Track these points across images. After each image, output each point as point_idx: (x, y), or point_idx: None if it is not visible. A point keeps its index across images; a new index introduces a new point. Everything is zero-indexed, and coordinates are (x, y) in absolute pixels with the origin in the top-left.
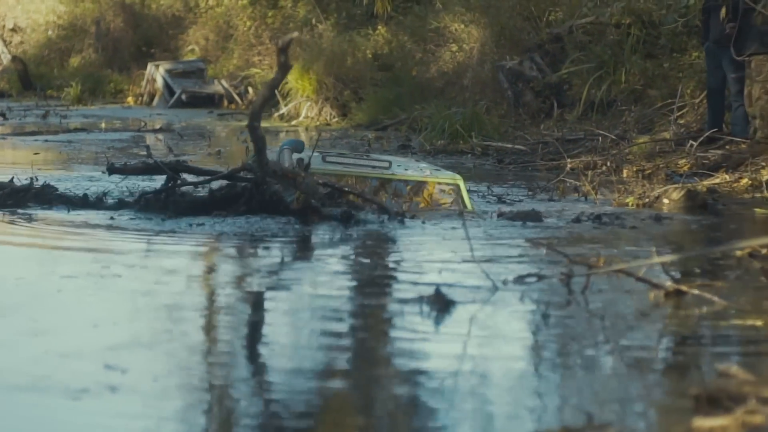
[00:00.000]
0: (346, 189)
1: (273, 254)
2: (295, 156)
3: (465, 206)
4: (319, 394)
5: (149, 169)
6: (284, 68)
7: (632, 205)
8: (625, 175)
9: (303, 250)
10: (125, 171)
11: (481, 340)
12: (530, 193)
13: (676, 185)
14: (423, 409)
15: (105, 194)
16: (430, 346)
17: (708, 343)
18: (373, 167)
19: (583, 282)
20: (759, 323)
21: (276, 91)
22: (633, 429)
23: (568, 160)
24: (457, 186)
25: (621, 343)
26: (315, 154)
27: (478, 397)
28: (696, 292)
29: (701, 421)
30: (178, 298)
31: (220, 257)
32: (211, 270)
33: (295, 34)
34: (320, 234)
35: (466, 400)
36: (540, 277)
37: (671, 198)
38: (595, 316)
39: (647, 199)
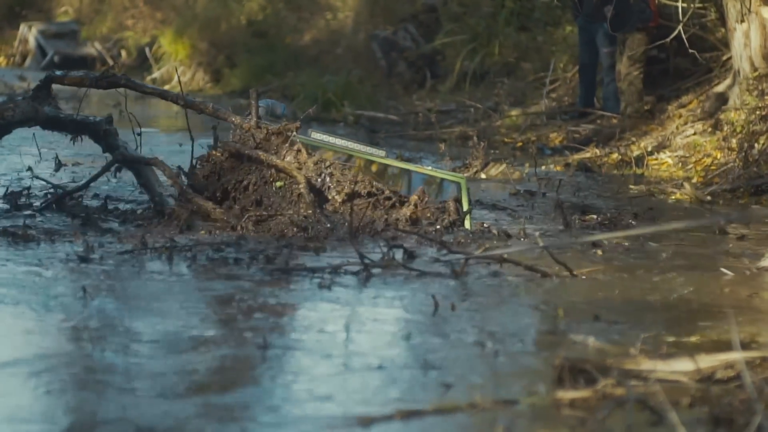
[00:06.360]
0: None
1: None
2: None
3: (462, 207)
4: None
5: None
6: None
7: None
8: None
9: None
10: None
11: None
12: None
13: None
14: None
15: None
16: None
17: (573, 317)
18: (367, 152)
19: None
20: (625, 298)
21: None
22: (497, 400)
23: (441, 131)
24: (459, 185)
25: (490, 318)
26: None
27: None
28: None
29: (563, 393)
30: None
31: None
32: None
33: None
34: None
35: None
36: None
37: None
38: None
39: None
